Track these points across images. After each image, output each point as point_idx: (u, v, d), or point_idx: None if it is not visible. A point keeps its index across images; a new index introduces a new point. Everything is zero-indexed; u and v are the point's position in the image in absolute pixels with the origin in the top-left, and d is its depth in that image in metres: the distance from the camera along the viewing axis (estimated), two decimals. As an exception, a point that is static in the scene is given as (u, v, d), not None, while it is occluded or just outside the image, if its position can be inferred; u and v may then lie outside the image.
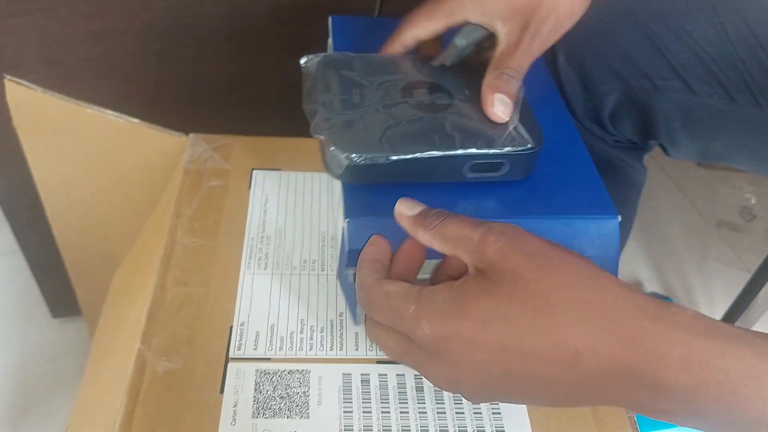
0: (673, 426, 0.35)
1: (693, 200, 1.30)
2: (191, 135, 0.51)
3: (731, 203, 1.28)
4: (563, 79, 0.61)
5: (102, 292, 0.66)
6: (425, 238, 0.35)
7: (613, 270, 0.41)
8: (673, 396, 0.28)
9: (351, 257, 0.38)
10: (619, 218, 0.39)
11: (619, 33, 0.59)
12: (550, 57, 0.61)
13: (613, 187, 0.72)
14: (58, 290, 0.88)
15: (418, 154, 0.39)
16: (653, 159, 1.33)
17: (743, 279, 0.96)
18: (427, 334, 0.31)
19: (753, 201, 1.26)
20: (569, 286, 0.31)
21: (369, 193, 0.39)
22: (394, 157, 0.38)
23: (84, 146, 0.55)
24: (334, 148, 0.38)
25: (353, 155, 0.38)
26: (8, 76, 0.52)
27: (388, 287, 0.34)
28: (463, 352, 0.31)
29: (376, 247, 0.37)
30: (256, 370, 0.39)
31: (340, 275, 0.42)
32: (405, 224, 0.36)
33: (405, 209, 0.36)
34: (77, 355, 0.94)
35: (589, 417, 0.39)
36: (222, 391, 0.37)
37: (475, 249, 0.32)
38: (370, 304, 0.34)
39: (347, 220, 0.38)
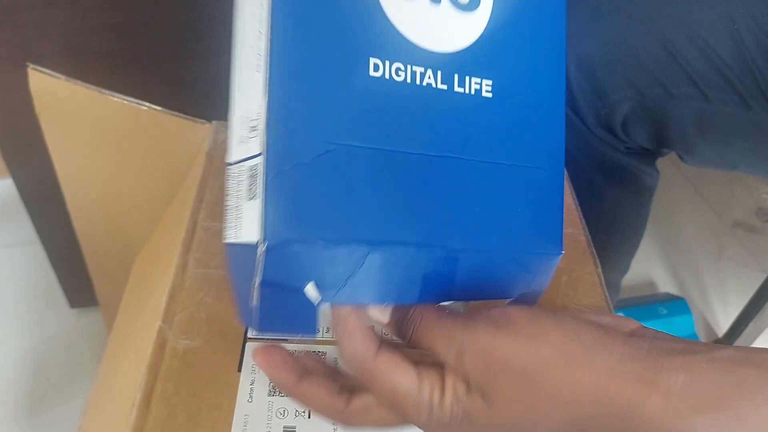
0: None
1: (709, 200, 1.29)
2: (214, 122, 0.52)
3: (747, 204, 1.27)
4: (574, 87, 0.60)
5: (119, 283, 0.67)
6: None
7: (534, 300, 0.36)
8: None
9: (261, 289, 0.27)
10: (563, 252, 0.34)
11: (633, 40, 0.59)
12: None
13: (625, 193, 0.73)
14: (76, 280, 0.90)
15: None
16: (669, 158, 1.33)
17: (758, 280, 0.96)
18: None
19: (770, 202, 1.25)
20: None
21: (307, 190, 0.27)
22: None
23: (106, 134, 0.56)
24: None
25: None
26: (32, 65, 0.52)
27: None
28: None
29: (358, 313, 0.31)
30: (274, 351, 0.39)
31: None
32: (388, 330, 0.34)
33: (380, 316, 0.33)
34: (94, 344, 0.95)
35: None
36: (239, 369, 0.38)
37: (453, 371, 0.30)
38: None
39: (265, 243, 0.25)
